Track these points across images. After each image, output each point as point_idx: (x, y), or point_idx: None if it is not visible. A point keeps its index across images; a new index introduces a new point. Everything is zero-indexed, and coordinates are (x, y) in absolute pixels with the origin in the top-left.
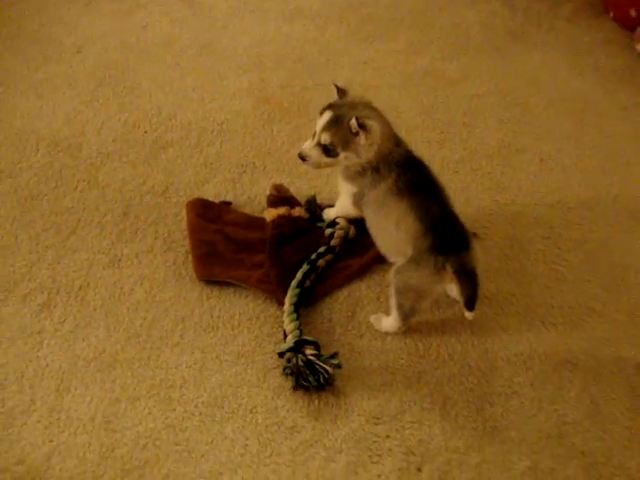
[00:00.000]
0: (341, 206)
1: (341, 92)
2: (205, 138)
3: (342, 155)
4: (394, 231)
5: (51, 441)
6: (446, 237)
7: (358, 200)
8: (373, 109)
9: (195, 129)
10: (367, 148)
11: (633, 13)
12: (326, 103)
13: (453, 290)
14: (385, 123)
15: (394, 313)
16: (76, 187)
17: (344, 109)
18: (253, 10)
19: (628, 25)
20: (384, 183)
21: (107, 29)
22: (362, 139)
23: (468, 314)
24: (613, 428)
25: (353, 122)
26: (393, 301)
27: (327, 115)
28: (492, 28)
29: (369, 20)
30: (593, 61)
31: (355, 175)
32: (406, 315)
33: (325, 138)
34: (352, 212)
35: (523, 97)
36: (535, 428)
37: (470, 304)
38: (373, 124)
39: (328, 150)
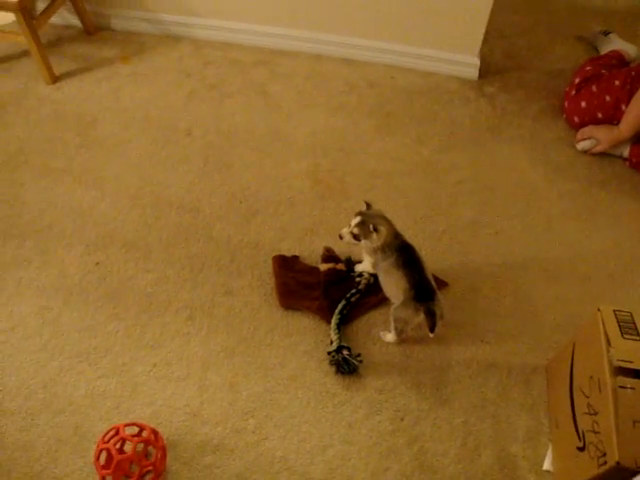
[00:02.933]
0: (364, 266)
1: (368, 205)
2: (279, 209)
3: (363, 241)
4: (394, 287)
5: (201, 396)
6: (421, 293)
7: (374, 266)
8: (384, 218)
9: (273, 202)
10: (377, 240)
11: (576, 119)
12: (358, 210)
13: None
14: (390, 226)
15: (392, 332)
16: (199, 240)
17: (368, 217)
18: (308, 104)
19: (574, 127)
20: (388, 260)
21: (205, 115)
22: (375, 236)
23: (431, 335)
24: (512, 403)
25: (371, 227)
26: (392, 325)
27: (358, 218)
28: (477, 124)
29: (391, 115)
30: (545, 155)
31: (372, 252)
32: (399, 333)
33: (355, 231)
34: (371, 270)
35: (491, 183)
36: (468, 401)
37: (432, 330)
38: (382, 229)
39: (355, 237)
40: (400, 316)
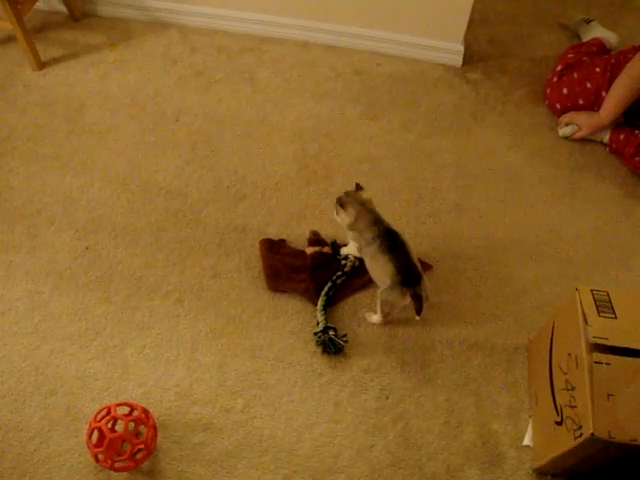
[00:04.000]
0: (350, 249)
1: (357, 186)
2: (267, 194)
3: (336, 215)
4: (380, 272)
5: (191, 376)
6: (407, 277)
7: (359, 250)
8: (363, 202)
9: (260, 187)
10: (345, 219)
11: (558, 106)
12: (344, 191)
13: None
14: (365, 210)
15: (378, 313)
16: (187, 224)
17: (345, 196)
18: (295, 90)
19: (556, 113)
20: (373, 245)
21: (194, 101)
22: (342, 213)
23: (417, 317)
24: (494, 381)
25: (337, 203)
26: (378, 307)
27: (339, 197)
28: (461, 110)
29: (376, 101)
30: (527, 140)
31: (355, 237)
32: (385, 315)
33: (336, 206)
34: (356, 254)
35: (474, 168)
36: (451, 379)
37: (418, 313)
38: (350, 209)
39: (336, 209)
40: (387, 299)
